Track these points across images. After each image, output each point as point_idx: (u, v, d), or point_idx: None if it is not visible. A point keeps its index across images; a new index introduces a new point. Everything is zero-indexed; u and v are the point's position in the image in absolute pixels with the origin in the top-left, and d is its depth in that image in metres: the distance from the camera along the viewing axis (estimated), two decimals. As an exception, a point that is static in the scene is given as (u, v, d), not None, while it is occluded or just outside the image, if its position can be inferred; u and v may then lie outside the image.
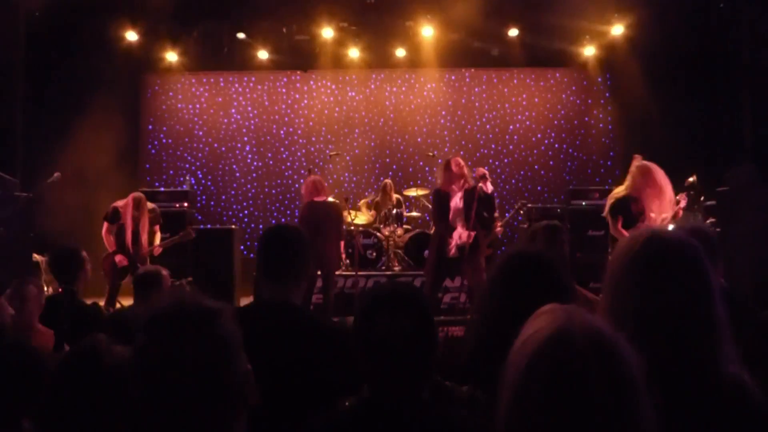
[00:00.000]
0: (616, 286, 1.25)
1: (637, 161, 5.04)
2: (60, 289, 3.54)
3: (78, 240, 4.61)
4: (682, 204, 4.95)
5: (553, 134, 9.94)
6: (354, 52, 9.17)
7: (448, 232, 5.44)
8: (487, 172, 5.46)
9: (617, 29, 8.47)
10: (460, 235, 5.39)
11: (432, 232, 6.15)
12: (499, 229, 6.65)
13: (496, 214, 6.99)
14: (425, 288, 5.66)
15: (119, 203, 5.83)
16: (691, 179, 6.23)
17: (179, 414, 1.11)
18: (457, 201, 5.40)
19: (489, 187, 5.40)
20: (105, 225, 5.81)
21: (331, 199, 6.58)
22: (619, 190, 5.08)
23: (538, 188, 9.76)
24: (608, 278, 1.29)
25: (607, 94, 9.87)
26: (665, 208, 4.93)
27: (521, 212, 6.62)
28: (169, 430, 1.11)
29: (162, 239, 6.13)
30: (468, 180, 5.40)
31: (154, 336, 1.13)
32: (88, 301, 3.51)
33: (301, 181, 9.57)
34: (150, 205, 6.02)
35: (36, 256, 6.31)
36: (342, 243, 6.19)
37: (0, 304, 2.58)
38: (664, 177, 4.95)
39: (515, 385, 0.91)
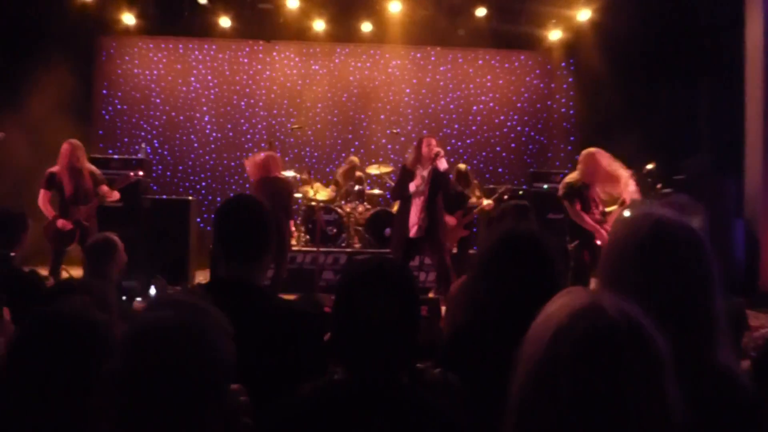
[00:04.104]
0: (620, 268, 1.22)
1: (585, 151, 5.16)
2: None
3: (23, 204, 4.39)
4: (632, 189, 5.05)
5: (515, 117, 9.97)
6: (319, 24, 8.96)
7: (407, 212, 5.42)
8: (440, 150, 5.40)
9: (584, 14, 8.49)
10: (417, 215, 5.37)
11: (394, 210, 6.12)
12: (486, 204, 6.62)
13: (477, 193, 6.98)
14: None
15: (52, 168, 5.46)
16: (649, 166, 6.34)
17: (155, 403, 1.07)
18: (418, 181, 5.37)
19: (442, 165, 5.36)
20: (42, 193, 5.40)
21: (285, 173, 6.44)
22: (573, 176, 5.18)
23: (500, 170, 9.81)
24: (609, 259, 1.25)
25: (570, 79, 9.94)
26: (619, 191, 5.04)
27: (504, 197, 6.60)
28: None
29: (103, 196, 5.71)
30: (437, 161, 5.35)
31: (138, 357, 1.08)
32: (26, 269, 3.33)
33: (262, 154, 9.41)
34: (93, 168, 5.68)
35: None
36: (291, 222, 6.05)
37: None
38: (612, 161, 5.06)
39: (537, 359, 0.88)
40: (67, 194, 5.41)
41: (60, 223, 5.35)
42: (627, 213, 5.23)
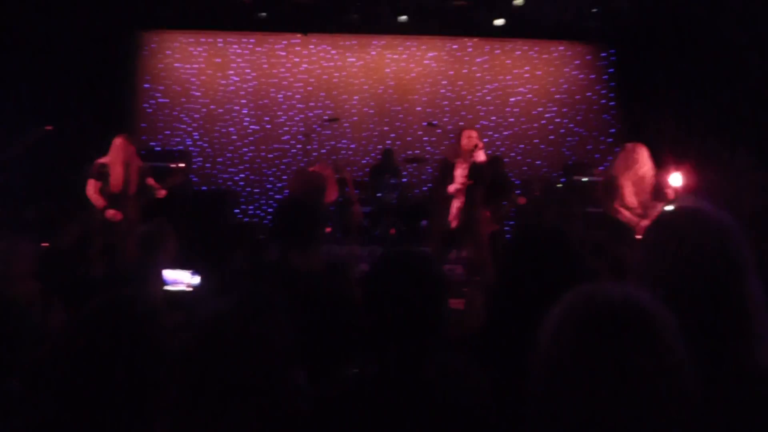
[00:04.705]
0: (652, 260, 1.22)
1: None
2: (47, 245, 3.48)
3: (70, 196, 4.54)
4: (676, 183, 4.97)
5: (554, 108, 9.84)
6: (355, 17, 8.98)
7: (447, 204, 5.41)
8: (479, 142, 5.38)
9: (624, 3, 8.29)
10: (456, 207, 5.37)
11: (430, 202, 6.12)
12: (521, 200, 6.61)
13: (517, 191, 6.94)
14: None
15: (102, 159, 5.64)
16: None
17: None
18: (459, 173, 5.36)
19: (480, 157, 5.34)
20: (91, 183, 5.57)
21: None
22: (609, 171, 5.17)
23: (537, 162, 9.70)
24: (641, 252, 1.25)
25: (611, 70, 9.76)
26: (640, 191, 4.98)
27: (536, 193, 6.57)
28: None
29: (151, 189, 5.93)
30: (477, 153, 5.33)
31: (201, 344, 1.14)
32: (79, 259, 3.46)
33: (298, 146, 9.53)
34: (141, 162, 5.88)
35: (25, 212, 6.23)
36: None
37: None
38: (646, 161, 4.97)
39: (545, 345, 0.90)
40: (116, 186, 5.58)
41: (109, 213, 5.51)
42: (669, 207, 5.16)
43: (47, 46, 7.52)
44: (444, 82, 9.87)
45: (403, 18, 8.85)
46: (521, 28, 8.94)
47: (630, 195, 5.01)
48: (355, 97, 9.82)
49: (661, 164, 5.12)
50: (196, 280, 3.86)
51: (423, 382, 1.34)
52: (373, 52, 9.91)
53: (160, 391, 1.29)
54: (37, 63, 7.41)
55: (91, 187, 5.56)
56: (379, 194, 7.92)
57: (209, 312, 1.19)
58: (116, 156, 5.60)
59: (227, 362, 1.10)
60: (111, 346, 1.39)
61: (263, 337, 1.13)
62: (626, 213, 4.98)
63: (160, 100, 9.77)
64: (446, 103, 9.84)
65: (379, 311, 1.35)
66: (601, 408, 0.84)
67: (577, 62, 9.87)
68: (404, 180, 8.64)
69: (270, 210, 9.29)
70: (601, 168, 6.34)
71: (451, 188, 5.35)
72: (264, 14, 8.67)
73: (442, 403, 1.33)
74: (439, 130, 9.21)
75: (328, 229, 7.02)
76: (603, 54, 9.75)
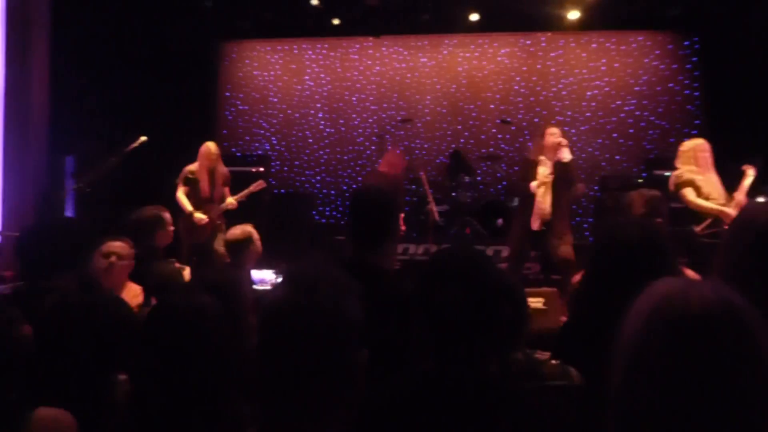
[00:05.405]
0: (736, 254, 1.20)
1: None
2: (141, 248, 3.71)
3: (162, 201, 4.80)
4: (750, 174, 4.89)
5: (633, 101, 9.51)
6: (426, 17, 9.01)
7: (530, 203, 5.32)
8: (563, 140, 5.28)
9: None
10: (540, 206, 5.26)
11: (515, 201, 6.05)
12: (581, 188, 6.46)
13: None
14: (508, 259, 5.57)
15: (191, 167, 5.96)
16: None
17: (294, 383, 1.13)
18: (541, 171, 5.26)
19: (565, 156, 5.24)
20: (180, 188, 5.92)
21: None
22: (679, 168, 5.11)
23: (616, 157, 9.41)
24: (725, 246, 1.23)
25: (695, 59, 9.33)
26: (710, 187, 4.90)
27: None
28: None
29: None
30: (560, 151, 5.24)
31: (270, 333, 1.17)
32: (168, 262, 3.67)
33: (373, 147, 9.65)
34: (225, 170, 6.15)
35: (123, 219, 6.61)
36: (402, 216, 6.18)
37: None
38: (706, 158, 4.92)
39: (631, 345, 0.88)
40: (203, 192, 5.88)
41: (197, 217, 5.81)
42: (761, 199, 4.95)
43: (140, 61, 7.97)
44: (517, 79, 9.74)
45: (475, 16, 8.80)
46: (598, 19, 8.70)
47: (702, 190, 4.93)
48: (428, 97, 9.85)
49: (741, 156, 5.01)
50: (279, 279, 4.00)
51: (488, 381, 1.33)
52: (445, 51, 9.90)
53: (244, 387, 1.37)
54: (130, 77, 7.87)
55: (180, 192, 5.89)
56: (453, 193, 7.91)
57: (271, 296, 1.22)
58: (202, 163, 5.89)
59: (297, 343, 1.11)
60: (188, 344, 1.52)
61: (330, 313, 1.12)
62: (705, 204, 4.89)
63: (240, 107, 10.15)
64: (520, 99, 9.70)
65: (434, 310, 1.36)
66: (693, 411, 0.82)
67: (657, 52, 9.49)
68: (479, 179, 8.58)
69: (346, 211, 9.45)
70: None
71: (533, 186, 5.26)
72: (337, 21, 8.84)
73: (505, 399, 1.31)
74: (513, 127, 9.09)
75: (403, 228, 7.08)
76: (686, 42, 9.34)
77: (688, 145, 5.21)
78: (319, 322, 1.11)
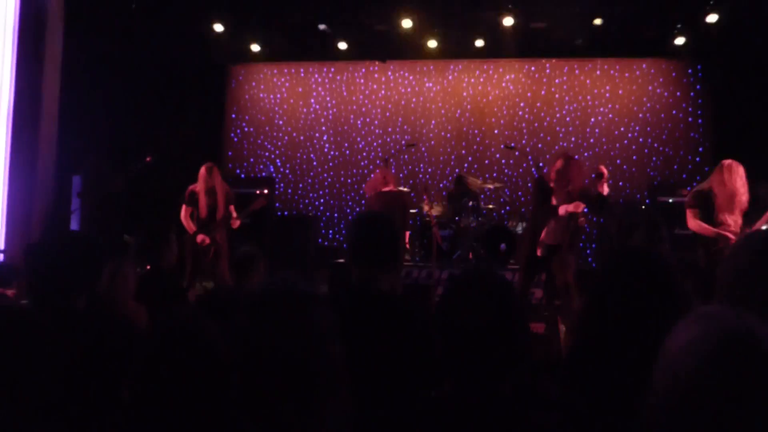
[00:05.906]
0: (734, 278, 1.19)
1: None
2: (147, 268, 3.72)
3: (170, 220, 4.82)
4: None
5: (637, 128, 9.56)
6: (432, 43, 9.10)
7: (537, 228, 5.30)
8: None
9: (712, 17, 8.01)
10: (548, 231, 5.24)
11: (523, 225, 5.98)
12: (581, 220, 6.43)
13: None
14: (517, 284, 5.54)
15: (194, 186, 5.97)
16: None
17: (269, 392, 1.15)
18: (561, 199, 5.20)
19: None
20: (183, 208, 5.94)
21: (401, 188, 6.60)
22: (703, 185, 5.05)
23: (620, 183, 9.43)
24: (725, 270, 1.22)
25: (698, 87, 9.39)
26: (733, 210, 4.84)
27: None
28: (260, 407, 1.16)
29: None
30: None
31: (250, 319, 1.18)
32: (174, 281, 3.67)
33: (377, 171, 9.65)
34: (227, 189, 6.15)
35: (126, 237, 6.64)
36: (407, 234, 6.18)
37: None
38: (739, 179, 4.84)
39: (681, 389, 0.86)
40: (203, 213, 5.89)
41: (199, 238, 5.83)
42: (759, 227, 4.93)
43: (148, 83, 8.06)
44: (522, 104, 9.81)
45: (480, 42, 8.89)
46: (601, 46, 8.78)
47: (722, 214, 4.87)
48: (433, 122, 9.92)
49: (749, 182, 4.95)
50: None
51: (500, 404, 1.34)
52: (450, 77, 9.99)
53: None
54: (137, 98, 7.96)
55: (183, 212, 5.91)
56: (457, 218, 7.92)
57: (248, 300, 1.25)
58: (201, 184, 5.90)
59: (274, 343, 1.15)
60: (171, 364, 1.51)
61: (302, 316, 1.17)
62: (706, 225, 4.86)
63: (245, 129, 10.23)
64: (524, 125, 9.76)
65: (450, 332, 1.37)
66: None
67: (661, 79, 9.57)
68: (482, 203, 8.59)
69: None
70: (688, 188, 6.08)
71: (562, 210, 5.19)
72: (344, 45, 8.94)
73: (519, 421, 1.32)
74: (517, 153, 9.13)
75: (408, 247, 7.08)
76: (689, 70, 9.42)
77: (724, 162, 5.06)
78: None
